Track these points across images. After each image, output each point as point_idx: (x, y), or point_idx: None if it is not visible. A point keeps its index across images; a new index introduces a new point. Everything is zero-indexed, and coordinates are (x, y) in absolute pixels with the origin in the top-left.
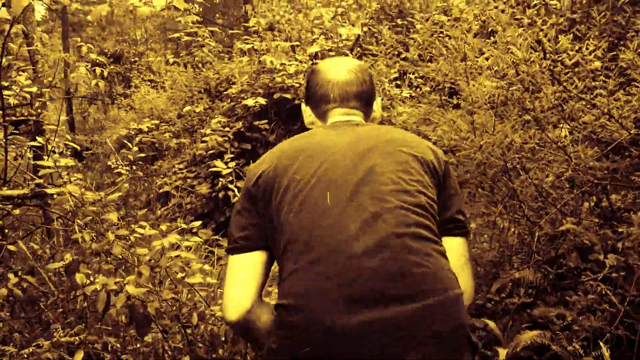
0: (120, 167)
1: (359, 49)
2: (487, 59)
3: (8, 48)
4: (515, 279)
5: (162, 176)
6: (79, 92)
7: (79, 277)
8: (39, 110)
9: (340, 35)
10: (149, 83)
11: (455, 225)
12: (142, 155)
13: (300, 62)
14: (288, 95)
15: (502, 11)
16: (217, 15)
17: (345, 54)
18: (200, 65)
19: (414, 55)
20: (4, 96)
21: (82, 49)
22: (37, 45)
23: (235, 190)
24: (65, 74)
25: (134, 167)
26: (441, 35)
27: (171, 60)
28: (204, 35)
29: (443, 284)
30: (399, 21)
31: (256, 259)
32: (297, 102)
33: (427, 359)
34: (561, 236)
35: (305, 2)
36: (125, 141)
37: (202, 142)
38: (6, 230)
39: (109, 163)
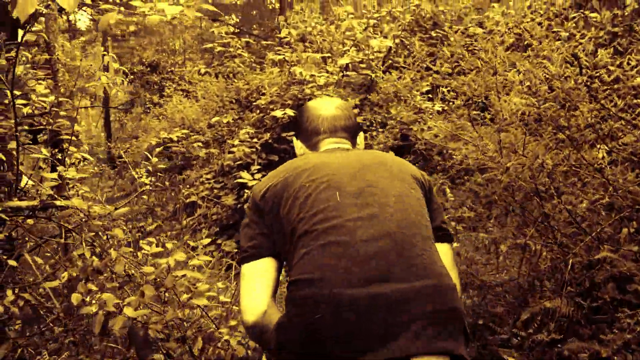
0: (140, 178)
1: (390, 60)
2: (518, 73)
3: (27, 57)
4: (545, 309)
5: (188, 186)
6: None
7: (74, 298)
8: (57, 120)
9: (372, 47)
10: (181, 92)
11: (443, 233)
12: (168, 165)
13: (331, 73)
14: None
15: (539, 24)
16: (254, 26)
17: (372, 66)
18: (231, 75)
19: (445, 68)
20: (18, 105)
21: (104, 58)
22: (57, 55)
23: None
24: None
25: (158, 177)
26: (474, 47)
27: (203, 70)
28: (236, 46)
29: (440, 272)
30: (433, 33)
31: (266, 264)
32: None
33: (426, 333)
34: (597, 265)
35: (338, 14)
36: (153, 150)
37: (230, 152)
38: (15, 243)
39: (133, 173)
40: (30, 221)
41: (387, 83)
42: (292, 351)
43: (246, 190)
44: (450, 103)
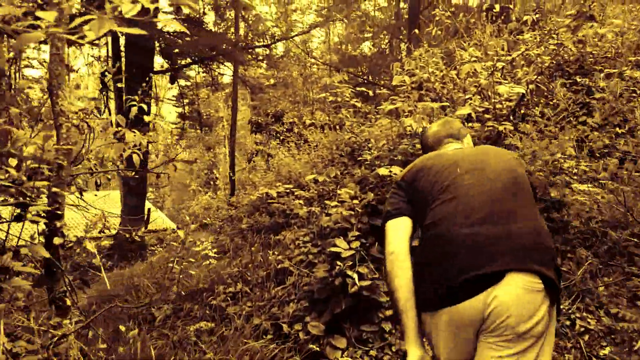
0: (205, 250)
1: (522, 111)
2: None
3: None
4: None
5: (282, 248)
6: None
7: None
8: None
9: (500, 95)
10: (292, 144)
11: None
12: (269, 222)
13: None
14: None
15: None
16: (381, 77)
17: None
18: (337, 127)
19: (599, 120)
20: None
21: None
22: (61, 105)
23: (356, 277)
24: (233, 134)
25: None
26: (632, 95)
27: (308, 122)
28: (344, 94)
29: (540, 224)
30: (578, 79)
31: (405, 220)
32: None
33: (522, 257)
34: None
35: (459, 58)
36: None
37: (327, 215)
38: None
39: (196, 249)
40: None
41: (517, 137)
42: (425, 264)
43: (339, 262)
44: (601, 161)
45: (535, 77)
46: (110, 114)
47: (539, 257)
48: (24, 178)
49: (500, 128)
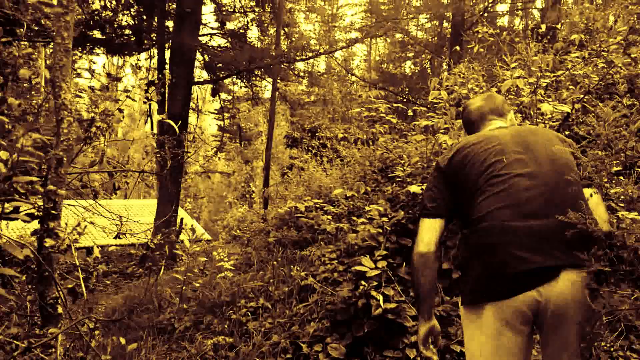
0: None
1: (567, 131)
2: None
3: None
4: None
5: (307, 264)
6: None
7: None
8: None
9: (543, 114)
10: (325, 159)
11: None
12: (296, 236)
13: None
14: None
15: None
16: (415, 96)
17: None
18: (371, 142)
19: None
20: None
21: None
22: (64, 98)
23: (380, 299)
24: (269, 148)
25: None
26: None
27: (340, 136)
28: (379, 109)
29: (577, 213)
30: (626, 101)
31: (440, 223)
32: None
33: (568, 252)
34: None
35: (500, 75)
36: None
37: (354, 231)
38: None
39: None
40: None
41: None
42: (473, 256)
43: (363, 282)
44: None
45: (582, 96)
46: (152, 124)
47: (584, 248)
48: (12, 173)
49: None
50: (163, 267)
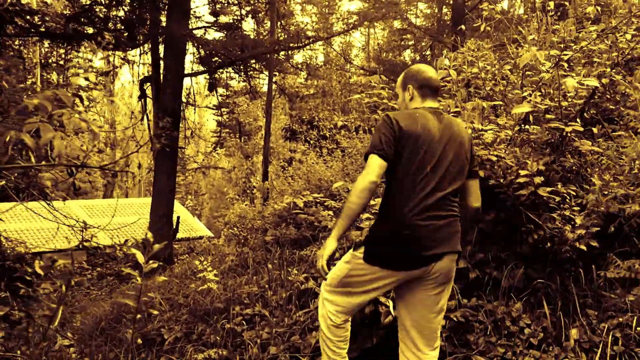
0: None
1: (593, 110)
2: None
3: None
4: None
5: (307, 266)
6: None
7: None
8: None
9: (566, 91)
10: (324, 150)
11: (474, 172)
12: (294, 234)
13: (503, 127)
14: (481, 173)
15: None
16: None
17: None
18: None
19: None
20: None
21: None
22: None
23: (390, 305)
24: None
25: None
26: None
27: (339, 124)
28: (381, 95)
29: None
30: None
31: (385, 165)
32: (491, 182)
33: (451, 242)
34: None
35: (513, 52)
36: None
37: (357, 228)
38: None
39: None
40: None
41: (588, 142)
42: (380, 243)
43: None
44: None
45: (610, 69)
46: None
47: (457, 239)
48: None
49: (568, 129)
50: (159, 269)
